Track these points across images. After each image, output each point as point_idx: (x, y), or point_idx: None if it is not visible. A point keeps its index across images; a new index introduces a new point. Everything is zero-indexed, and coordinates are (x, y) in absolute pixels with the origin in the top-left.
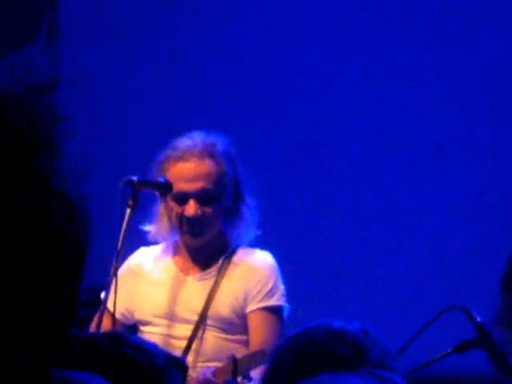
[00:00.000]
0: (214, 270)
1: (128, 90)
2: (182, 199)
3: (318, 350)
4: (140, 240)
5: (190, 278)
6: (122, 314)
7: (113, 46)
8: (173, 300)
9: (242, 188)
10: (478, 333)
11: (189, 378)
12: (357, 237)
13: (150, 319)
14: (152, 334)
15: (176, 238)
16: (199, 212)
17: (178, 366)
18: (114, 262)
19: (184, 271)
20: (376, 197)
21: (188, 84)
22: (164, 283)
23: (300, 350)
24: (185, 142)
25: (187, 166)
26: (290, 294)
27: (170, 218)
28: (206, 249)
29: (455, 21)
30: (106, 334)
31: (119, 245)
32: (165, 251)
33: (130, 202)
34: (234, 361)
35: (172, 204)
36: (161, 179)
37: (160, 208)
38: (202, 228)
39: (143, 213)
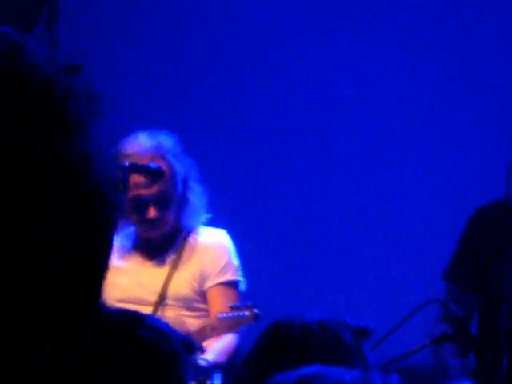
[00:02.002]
0: (171, 253)
1: (126, 75)
2: (140, 205)
3: (291, 343)
4: None
5: (149, 263)
6: None
7: (112, 33)
8: (135, 284)
9: (188, 178)
10: (456, 326)
11: None
12: (341, 230)
13: (115, 304)
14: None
15: (134, 228)
16: (158, 214)
17: (191, 348)
18: None
19: (144, 257)
20: (361, 187)
21: (183, 80)
22: (126, 269)
23: (275, 343)
24: (134, 148)
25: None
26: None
27: (128, 214)
28: (164, 237)
29: (451, 21)
30: (125, 314)
31: None
32: (124, 240)
33: (120, 187)
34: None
35: (131, 207)
36: (152, 165)
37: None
38: (160, 224)
39: None
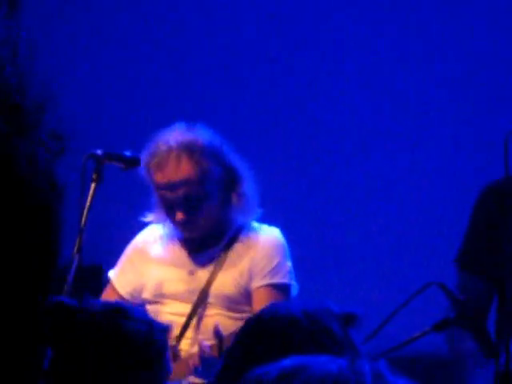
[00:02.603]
0: (219, 248)
1: (90, 62)
2: (167, 207)
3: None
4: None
5: (194, 257)
6: (130, 294)
7: (76, 17)
8: (177, 279)
9: (235, 172)
10: (457, 310)
11: (187, 354)
12: (350, 223)
13: (156, 299)
14: (157, 312)
15: None
16: (186, 217)
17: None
18: (77, 240)
19: (189, 250)
20: (370, 184)
21: (172, 71)
22: (169, 262)
23: (259, 335)
24: (160, 147)
25: (165, 176)
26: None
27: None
28: (206, 235)
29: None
30: (107, 306)
31: (82, 221)
32: (171, 230)
33: (94, 177)
34: (220, 339)
35: (162, 206)
36: (127, 153)
37: (155, 197)
38: (193, 226)
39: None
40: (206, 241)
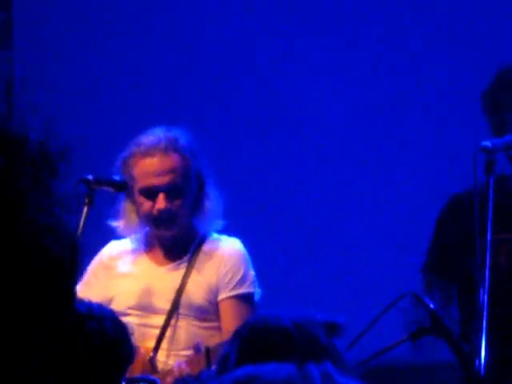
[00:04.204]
0: (184, 260)
1: (82, 90)
2: (151, 194)
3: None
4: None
5: (162, 269)
6: None
7: (67, 47)
8: (147, 291)
9: (204, 181)
10: (431, 319)
11: (164, 367)
12: (331, 223)
13: (126, 311)
14: (128, 324)
15: (146, 231)
16: (169, 205)
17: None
18: None
19: (156, 263)
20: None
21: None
22: (137, 275)
23: (252, 346)
24: (148, 138)
25: (154, 161)
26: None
27: (138, 213)
28: (177, 240)
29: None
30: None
31: (78, 233)
32: (136, 244)
33: (86, 201)
34: (207, 350)
35: (141, 199)
36: (115, 177)
37: (125, 204)
38: (172, 220)
39: (106, 209)
40: (172, 252)
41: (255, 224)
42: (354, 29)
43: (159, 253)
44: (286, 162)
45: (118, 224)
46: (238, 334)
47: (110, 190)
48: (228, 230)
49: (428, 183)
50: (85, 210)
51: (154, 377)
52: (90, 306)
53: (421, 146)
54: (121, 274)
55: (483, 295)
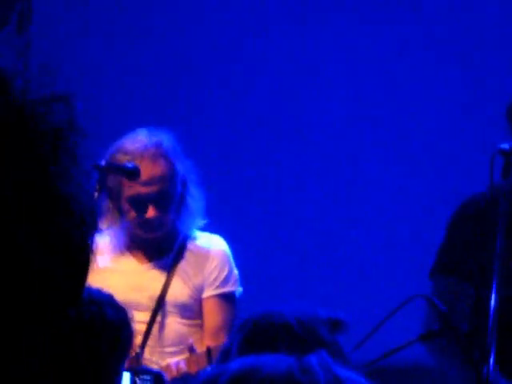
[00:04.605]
0: (168, 258)
1: (99, 77)
2: (139, 203)
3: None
4: None
5: (145, 267)
6: None
7: (87, 35)
8: (130, 288)
9: (187, 180)
10: (442, 322)
11: (148, 364)
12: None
13: None
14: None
15: (126, 229)
16: (157, 214)
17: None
18: None
19: (138, 260)
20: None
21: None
22: (120, 272)
23: (254, 341)
24: (134, 144)
25: (142, 170)
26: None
27: (123, 216)
28: (159, 239)
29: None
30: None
31: None
32: (115, 240)
33: (97, 187)
34: (208, 350)
35: (127, 207)
36: (128, 164)
37: (108, 203)
38: (160, 226)
39: None
40: (155, 250)
41: (259, 226)
42: (358, 25)
43: (141, 251)
44: (290, 164)
45: (100, 222)
46: (240, 329)
47: (122, 176)
48: (230, 231)
49: (440, 185)
50: (95, 196)
51: None
52: (89, 291)
53: (434, 147)
54: (102, 269)
55: (494, 301)
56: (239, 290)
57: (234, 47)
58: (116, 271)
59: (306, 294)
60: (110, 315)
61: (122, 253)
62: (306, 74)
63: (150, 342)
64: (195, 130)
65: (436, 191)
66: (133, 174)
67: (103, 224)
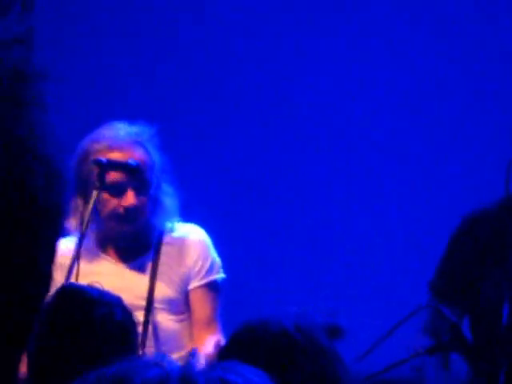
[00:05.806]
0: (148, 255)
1: (103, 61)
2: (118, 190)
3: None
4: None
5: (124, 267)
6: None
7: (88, 22)
8: (115, 289)
9: (163, 177)
10: (452, 333)
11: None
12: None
13: None
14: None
15: (97, 230)
16: (137, 201)
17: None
18: (76, 246)
19: (116, 261)
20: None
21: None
22: (99, 274)
23: (252, 347)
24: (111, 132)
25: (121, 155)
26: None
27: (98, 210)
28: (134, 236)
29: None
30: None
31: (83, 227)
32: (89, 242)
33: (97, 184)
34: (219, 345)
35: (106, 196)
36: (130, 161)
37: (76, 201)
38: (137, 215)
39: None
40: (131, 249)
41: (258, 221)
42: (361, 23)
43: (116, 251)
44: (291, 159)
45: (69, 222)
46: (237, 337)
47: (124, 173)
48: (230, 227)
49: (449, 191)
50: (95, 193)
51: None
52: (101, 292)
53: (450, 151)
54: (81, 274)
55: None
56: (222, 276)
57: (225, 44)
58: (94, 274)
59: (305, 294)
60: (119, 315)
61: (96, 256)
62: (299, 69)
63: (149, 342)
64: (176, 126)
65: (448, 197)
66: (134, 170)
67: (73, 226)
